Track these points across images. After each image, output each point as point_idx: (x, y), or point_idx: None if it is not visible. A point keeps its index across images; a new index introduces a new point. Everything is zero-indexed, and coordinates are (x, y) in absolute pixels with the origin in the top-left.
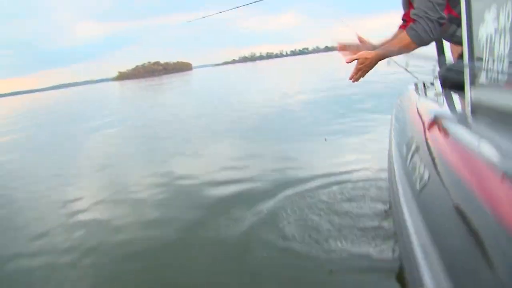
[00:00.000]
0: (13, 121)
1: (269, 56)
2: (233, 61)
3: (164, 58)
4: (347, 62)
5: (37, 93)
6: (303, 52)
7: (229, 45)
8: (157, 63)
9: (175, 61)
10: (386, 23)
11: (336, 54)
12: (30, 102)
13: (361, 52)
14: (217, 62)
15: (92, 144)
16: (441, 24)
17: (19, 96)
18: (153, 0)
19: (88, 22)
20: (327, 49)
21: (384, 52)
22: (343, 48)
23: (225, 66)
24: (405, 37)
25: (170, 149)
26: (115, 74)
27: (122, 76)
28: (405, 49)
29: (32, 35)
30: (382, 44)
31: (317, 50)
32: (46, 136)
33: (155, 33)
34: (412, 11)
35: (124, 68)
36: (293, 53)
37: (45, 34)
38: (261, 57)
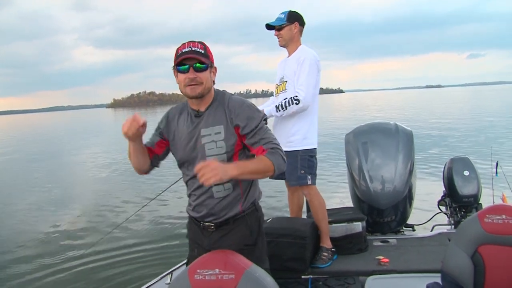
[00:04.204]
0: None
1: (264, 94)
2: None
3: (159, 89)
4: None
5: (30, 114)
6: None
7: (226, 79)
8: (152, 93)
9: (170, 92)
10: (379, 69)
11: (330, 97)
12: (16, 124)
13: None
14: None
15: None
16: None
17: (10, 116)
18: (154, 31)
19: (88, 47)
20: (322, 91)
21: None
22: None
23: None
24: (267, 162)
25: None
26: (110, 100)
27: (117, 104)
28: (262, 173)
29: (34, 57)
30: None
31: None
32: None
33: (153, 63)
34: (273, 140)
35: (119, 96)
36: None
37: (46, 56)
38: (256, 95)
